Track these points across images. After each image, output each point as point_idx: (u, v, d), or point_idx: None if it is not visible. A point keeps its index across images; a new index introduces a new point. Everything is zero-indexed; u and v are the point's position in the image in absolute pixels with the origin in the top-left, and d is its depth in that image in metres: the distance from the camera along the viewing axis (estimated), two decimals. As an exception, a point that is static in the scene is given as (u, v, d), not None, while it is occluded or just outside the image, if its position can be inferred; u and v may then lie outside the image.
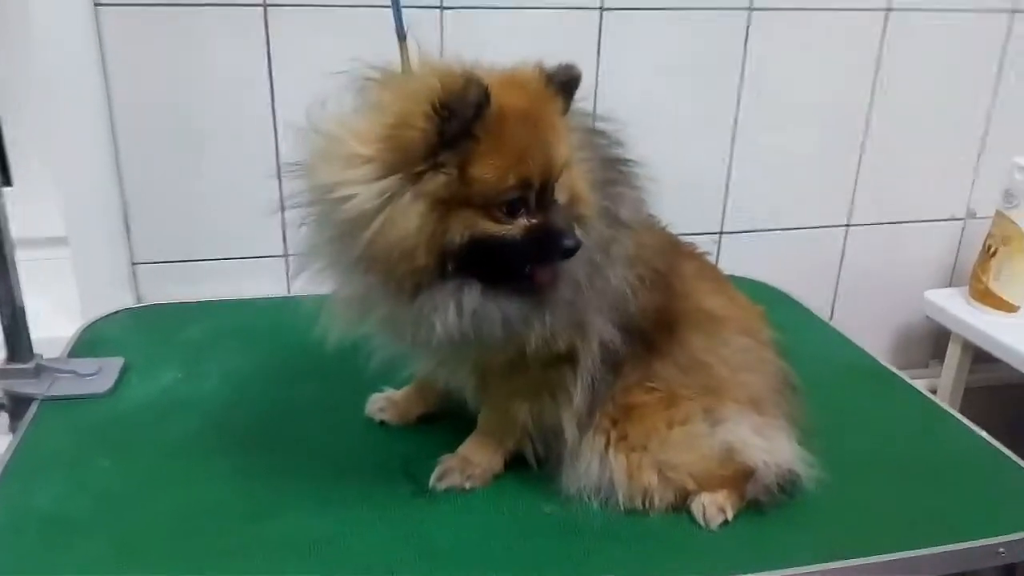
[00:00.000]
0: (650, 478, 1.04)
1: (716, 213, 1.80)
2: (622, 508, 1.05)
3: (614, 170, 1.02)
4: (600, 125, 1.02)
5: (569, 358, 1.02)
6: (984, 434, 1.28)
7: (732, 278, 1.29)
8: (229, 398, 1.28)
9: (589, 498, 1.05)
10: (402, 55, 0.96)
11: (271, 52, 1.48)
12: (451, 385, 1.11)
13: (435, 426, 1.20)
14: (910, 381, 1.44)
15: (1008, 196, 1.68)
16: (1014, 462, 1.22)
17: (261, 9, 1.45)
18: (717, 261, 1.77)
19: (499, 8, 1.53)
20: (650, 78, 1.65)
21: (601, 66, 1.60)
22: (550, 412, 1.05)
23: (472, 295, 0.90)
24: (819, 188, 1.86)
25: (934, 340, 1.99)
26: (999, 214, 1.71)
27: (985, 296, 1.73)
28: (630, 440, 1.05)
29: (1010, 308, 1.72)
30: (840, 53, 1.75)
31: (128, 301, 1.56)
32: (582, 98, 0.98)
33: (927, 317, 1.85)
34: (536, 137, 0.89)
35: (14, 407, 1.23)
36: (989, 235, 1.73)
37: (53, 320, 1.48)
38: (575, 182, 0.95)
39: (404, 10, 0.98)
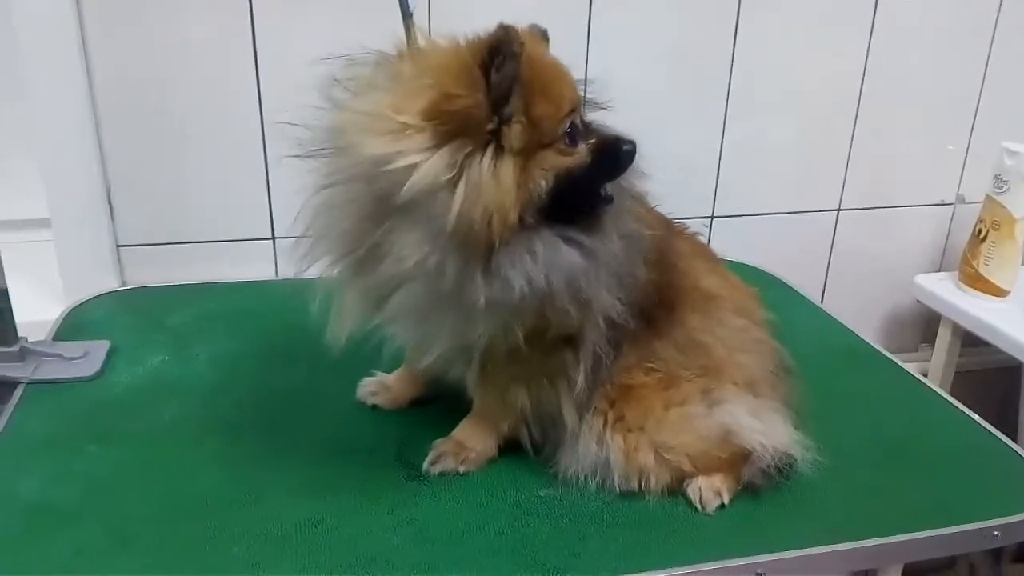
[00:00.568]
0: (647, 459, 1.04)
1: (707, 197, 1.80)
2: (618, 490, 1.04)
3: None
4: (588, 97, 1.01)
5: (570, 342, 1.01)
6: (976, 417, 1.28)
7: (724, 262, 1.28)
8: (217, 382, 1.26)
9: (586, 480, 1.05)
10: (408, 32, 0.97)
11: (255, 29, 1.45)
12: (450, 375, 1.09)
13: (428, 409, 1.19)
14: (902, 364, 1.44)
15: (998, 181, 1.68)
16: (1005, 445, 1.22)
17: (245, -14, 1.43)
18: (709, 245, 1.77)
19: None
20: (640, 62, 1.63)
21: (591, 50, 1.59)
22: (549, 398, 1.04)
23: (541, 243, 0.90)
24: (810, 172, 1.85)
25: (924, 324, 1.99)
26: (989, 199, 1.71)
27: (975, 280, 1.74)
28: (627, 421, 1.04)
29: (1000, 292, 1.72)
30: (830, 38, 1.74)
31: (113, 284, 1.53)
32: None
33: (917, 301, 1.85)
34: (559, 71, 0.95)
35: (-1, 391, 1.21)
36: (979, 220, 1.74)
37: (37, 303, 1.46)
38: None
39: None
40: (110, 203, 1.50)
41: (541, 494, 1.05)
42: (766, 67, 1.72)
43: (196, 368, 1.29)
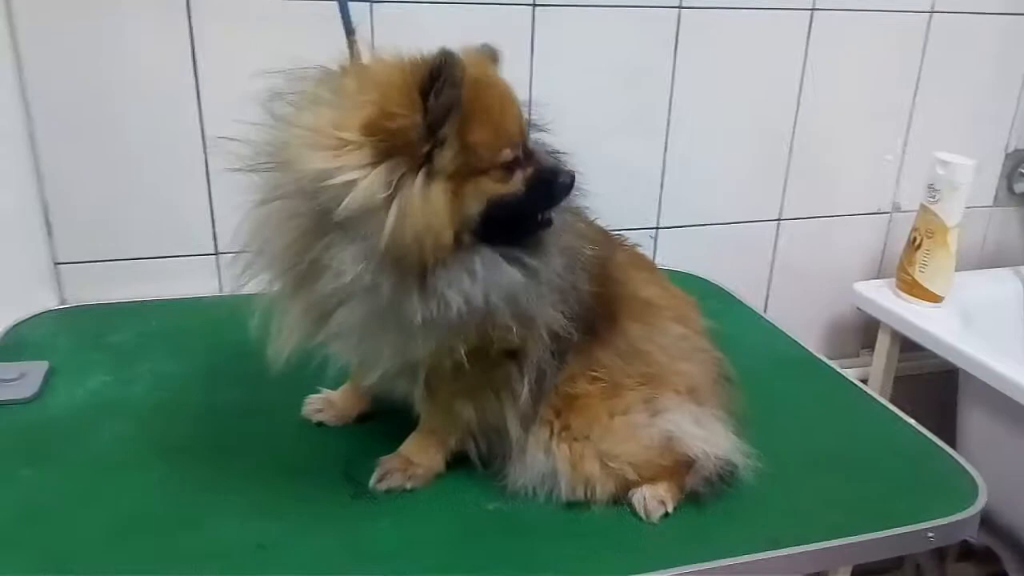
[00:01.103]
0: (592, 468, 1.05)
1: (652, 209, 1.82)
2: (565, 499, 1.05)
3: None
4: (532, 118, 1.02)
5: (514, 356, 1.01)
6: (912, 421, 1.32)
7: (669, 272, 1.30)
8: (160, 402, 1.24)
9: (534, 491, 1.05)
10: (351, 49, 0.97)
11: (194, 41, 1.44)
12: (396, 392, 1.09)
13: (375, 425, 1.19)
14: (841, 371, 1.48)
15: (931, 190, 1.73)
16: (941, 448, 1.26)
17: (183, -1, 1.42)
18: (654, 256, 1.79)
19: (430, 3, 1.52)
20: (584, 74, 1.65)
21: (535, 62, 1.60)
22: (494, 411, 1.04)
23: (480, 262, 0.91)
24: (751, 184, 1.89)
25: (865, 330, 2.04)
26: (923, 207, 1.76)
27: (911, 287, 1.79)
28: (573, 430, 1.05)
29: (935, 299, 1.77)
30: (768, 51, 1.78)
31: (51, 302, 1.50)
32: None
33: (857, 308, 1.89)
34: (504, 99, 0.95)
35: (-71, 414, 1.17)
36: (914, 228, 1.78)
37: (-30, 324, 1.42)
38: None
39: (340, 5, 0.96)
40: (47, 219, 1.47)
41: (490, 508, 1.06)
42: (706, 82, 1.75)
43: (138, 388, 1.27)
